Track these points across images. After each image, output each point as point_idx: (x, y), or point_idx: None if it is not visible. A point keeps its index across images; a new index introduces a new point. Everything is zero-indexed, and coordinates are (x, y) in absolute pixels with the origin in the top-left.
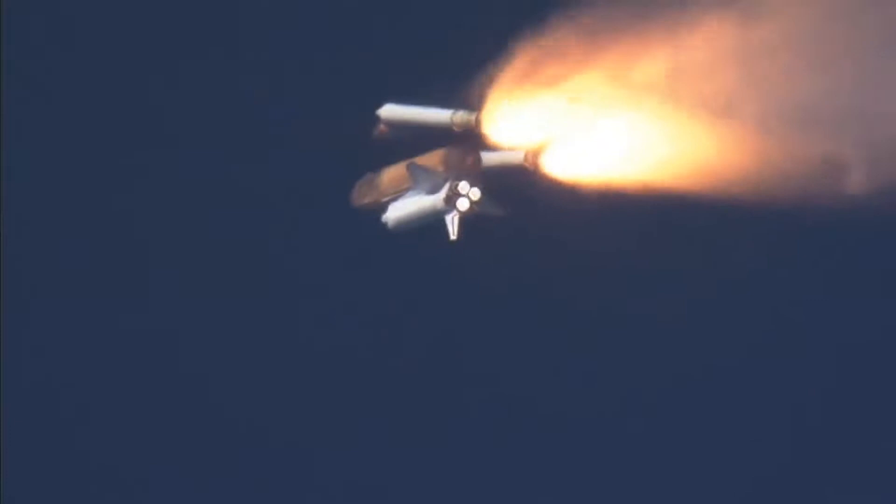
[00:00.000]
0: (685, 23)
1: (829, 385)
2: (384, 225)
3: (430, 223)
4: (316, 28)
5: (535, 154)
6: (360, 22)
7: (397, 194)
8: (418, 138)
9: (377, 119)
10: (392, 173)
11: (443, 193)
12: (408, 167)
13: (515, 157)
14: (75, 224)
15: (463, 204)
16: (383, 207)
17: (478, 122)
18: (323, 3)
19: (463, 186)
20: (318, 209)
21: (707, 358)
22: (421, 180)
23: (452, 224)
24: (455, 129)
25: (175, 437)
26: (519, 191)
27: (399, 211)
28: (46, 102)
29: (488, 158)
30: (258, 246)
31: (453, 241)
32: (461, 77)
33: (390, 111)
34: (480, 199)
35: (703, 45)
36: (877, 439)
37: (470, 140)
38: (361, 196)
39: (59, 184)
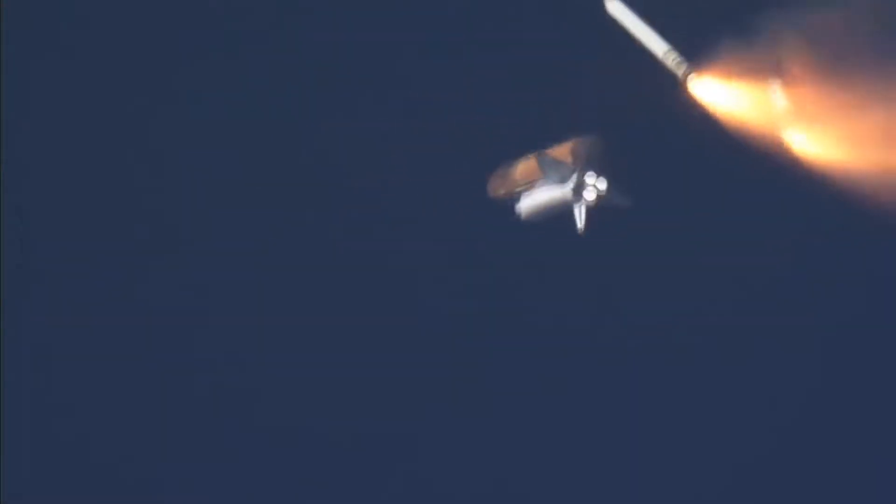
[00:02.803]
0: None
1: None
2: (518, 214)
3: (561, 212)
4: None
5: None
6: None
7: (529, 185)
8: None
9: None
10: (524, 165)
11: (571, 184)
12: (538, 158)
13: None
14: (76, 223)
15: (590, 194)
16: (517, 197)
17: (685, 76)
18: None
19: (590, 177)
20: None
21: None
22: (550, 171)
23: (580, 214)
24: (665, 65)
25: (176, 437)
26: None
27: (531, 201)
28: (46, 102)
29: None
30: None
31: (581, 231)
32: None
33: (616, 8)
34: (607, 189)
35: None
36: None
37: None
38: (496, 188)
39: (69, 182)
